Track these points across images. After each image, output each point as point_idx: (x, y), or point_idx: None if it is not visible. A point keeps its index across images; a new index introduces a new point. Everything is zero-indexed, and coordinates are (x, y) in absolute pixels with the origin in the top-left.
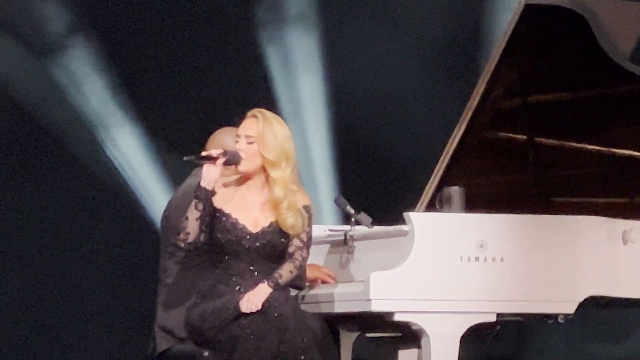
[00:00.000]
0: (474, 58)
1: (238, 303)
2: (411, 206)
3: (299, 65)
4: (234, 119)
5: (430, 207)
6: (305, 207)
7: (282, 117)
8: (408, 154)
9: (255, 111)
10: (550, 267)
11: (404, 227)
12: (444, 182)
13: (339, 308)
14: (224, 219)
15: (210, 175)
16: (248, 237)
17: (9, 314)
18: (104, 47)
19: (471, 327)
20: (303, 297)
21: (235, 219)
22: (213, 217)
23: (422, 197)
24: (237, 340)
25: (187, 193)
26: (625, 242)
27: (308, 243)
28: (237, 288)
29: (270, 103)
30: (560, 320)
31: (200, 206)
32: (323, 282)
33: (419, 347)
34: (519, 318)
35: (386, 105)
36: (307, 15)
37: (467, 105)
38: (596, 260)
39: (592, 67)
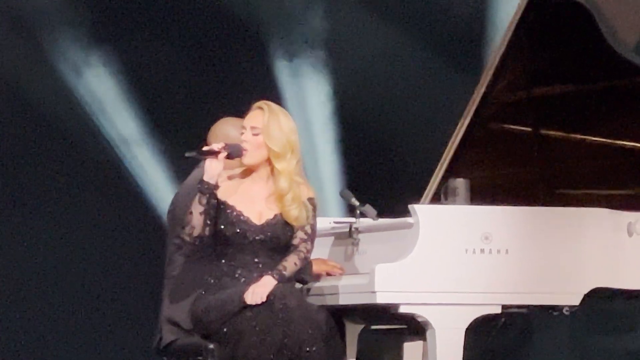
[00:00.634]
0: (479, 50)
1: (243, 295)
2: (416, 198)
3: (303, 58)
4: (239, 112)
5: (435, 199)
6: (310, 200)
7: (287, 110)
8: (413, 146)
9: (261, 103)
10: (555, 259)
11: (409, 219)
12: (449, 174)
13: (344, 300)
14: (228, 211)
15: (212, 169)
16: (252, 229)
17: (16, 307)
18: (107, 34)
19: (476, 319)
20: (308, 289)
21: (240, 211)
22: (218, 210)
23: (427, 189)
24: (242, 332)
25: (193, 186)
26: (630, 234)
27: (312, 235)
28: (241, 280)
29: (275, 96)
30: (565, 312)
31: (204, 200)
32: (329, 274)
33: (424, 339)
34: (524, 310)
35: (391, 97)
36: (312, 7)
37: (472, 98)
38: (601, 252)
39: (597, 59)
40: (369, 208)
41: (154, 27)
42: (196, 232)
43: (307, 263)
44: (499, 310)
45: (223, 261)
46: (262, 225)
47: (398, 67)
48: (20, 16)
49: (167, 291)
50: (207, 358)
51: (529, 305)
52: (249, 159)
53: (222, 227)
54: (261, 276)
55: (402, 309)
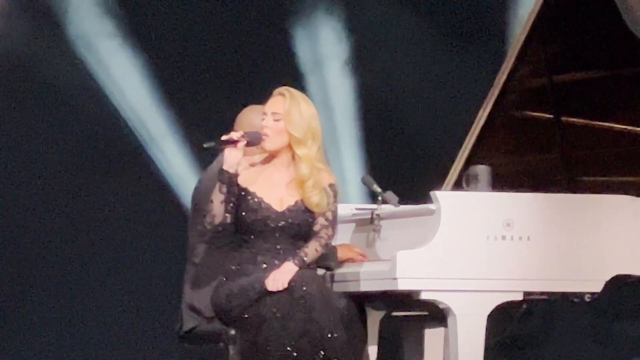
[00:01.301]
0: (501, 37)
1: (264, 282)
2: (438, 185)
3: (325, 45)
4: (261, 98)
5: (457, 185)
6: (331, 186)
7: (308, 96)
8: (435, 133)
9: (282, 89)
10: (576, 246)
11: (431, 206)
12: (471, 160)
13: (366, 287)
14: (249, 198)
15: (232, 158)
16: (273, 216)
17: (37, 291)
18: (132, 29)
19: (498, 305)
20: (332, 276)
21: (261, 198)
22: (239, 197)
23: (449, 176)
24: (263, 319)
25: (216, 173)
26: None
27: (333, 221)
28: (263, 267)
29: (296, 82)
30: (586, 298)
31: (224, 189)
32: (353, 261)
33: (446, 326)
34: (545, 297)
35: (413, 84)
36: None
37: (494, 84)
38: (623, 239)
39: (618, 46)
40: (390, 194)
41: (178, 13)
42: (217, 220)
43: (329, 249)
44: (520, 297)
45: (244, 248)
46: (283, 212)
47: (420, 55)
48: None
49: (189, 278)
50: (228, 344)
51: (550, 292)
52: (269, 144)
53: (243, 214)
54: (282, 263)
55: (424, 296)
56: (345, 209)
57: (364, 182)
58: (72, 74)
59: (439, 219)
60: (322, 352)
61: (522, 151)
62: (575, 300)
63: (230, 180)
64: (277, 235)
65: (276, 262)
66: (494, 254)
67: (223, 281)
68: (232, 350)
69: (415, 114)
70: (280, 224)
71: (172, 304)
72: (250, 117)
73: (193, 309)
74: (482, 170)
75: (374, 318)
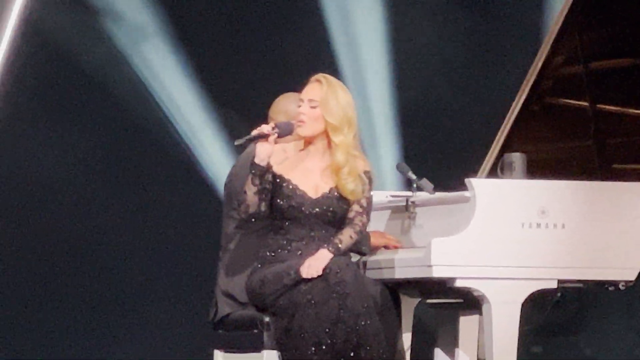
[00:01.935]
0: (538, 23)
1: (299, 268)
2: (473, 172)
3: (361, 31)
4: (297, 84)
5: (492, 173)
6: (366, 173)
7: (344, 83)
8: (470, 120)
9: (319, 76)
10: (611, 234)
11: (466, 193)
12: (506, 148)
13: (400, 274)
14: (284, 185)
15: (263, 152)
16: (308, 202)
17: (72, 277)
18: (166, 11)
19: (532, 293)
20: (365, 263)
21: (296, 185)
22: (273, 183)
23: (484, 163)
24: (298, 305)
25: (248, 162)
26: None
27: (368, 208)
28: (297, 253)
29: (332, 68)
30: (621, 287)
31: (257, 181)
32: (386, 248)
33: (480, 313)
34: (579, 285)
35: (449, 71)
36: None
37: (529, 72)
38: None
39: None
40: (425, 182)
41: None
42: (251, 210)
43: (363, 236)
44: (554, 285)
45: (279, 235)
46: (318, 199)
47: (456, 41)
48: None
49: (223, 264)
50: (263, 331)
51: (584, 280)
52: (305, 131)
53: (278, 200)
54: (317, 249)
55: (458, 283)
56: (380, 196)
57: (399, 169)
58: (112, 65)
59: (474, 207)
60: (356, 339)
61: (557, 139)
62: (610, 288)
63: (262, 172)
64: (311, 222)
65: (311, 248)
66: (528, 242)
67: (258, 267)
68: (266, 336)
69: (450, 101)
70: (314, 211)
71: (206, 291)
72: (285, 105)
73: (228, 295)
74: (517, 158)
75: (409, 305)
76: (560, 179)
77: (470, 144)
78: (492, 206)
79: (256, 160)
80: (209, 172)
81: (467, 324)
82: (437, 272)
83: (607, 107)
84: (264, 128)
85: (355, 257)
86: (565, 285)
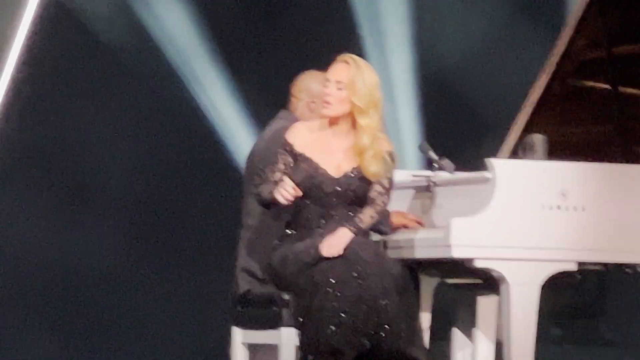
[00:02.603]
0: (561, 6)
1: (319, 247)
2: (494, 153)
3: (385, 11)
4: (320, 63)
5: (513, 154)
6: (389, 153)
7: (367, 62)
8: (492, 101)
9: (346, 56)
10: (631, 217)
11: (486, 174)
12: (527, 129)
13: (420, 254)
14: (306, 163)
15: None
16: (329, 181)
17: (93, 255)
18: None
19: (552, 276)
20: (385, 242)
21: (317, 163)
22: (295, 161)
23: (505, 144)
24: (318, 284)
25: (273, 138)
26: None
27: (389, 189)
28: (318, 232)
29: (356, 47)
30: (639, 270)
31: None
32: (407, 227)
33: (499, 294)
34: (599, 267)
35: (471, 51)
36: None
37: (551, 53)
38: None
39: None
40: (446, 162)
41: None
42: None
43: (384, 215)
44: (574, 267)
45: (300, 213)
46: (340, 178)
47: (479, 22)
48: None
49: (244, 241)
50: (281, 309)
51: (604, 263)
52: (331, 112)
53: (300, 179)
54: (337, 228)
55: (477, 264)
56: (402, 176)
57: (420, 149)
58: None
59: (494, 187)
60: (376, 318)
61: (578, 121)
62: (629, 271)
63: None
64: (333, 201)
65: (331, 227)
66: (548, 224)
67: (278, 245)
68: (285, 314)
69: (472, 81)
70: (335, 190)
71: (227, 267)
72: (308, 83)
73: (247, 271)
74: (538, 139)
75: (428, 285)
76: (581, 161)
77: (492, 125)
78: (512, 187)
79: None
80: (232, 150)
81: (485, 304)
82: (457, 252)
83: (630, 90)
84: (287, 196)
85: (375, 237)
86: (585, 267)
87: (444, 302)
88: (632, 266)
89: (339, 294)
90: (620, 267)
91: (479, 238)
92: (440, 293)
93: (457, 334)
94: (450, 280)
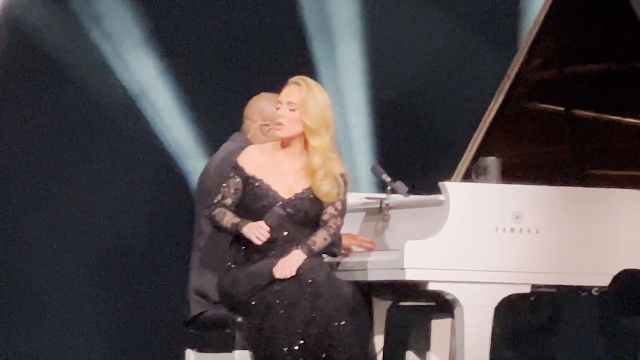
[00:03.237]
0: (514, 28)
1: (271, 269)
2: (447, 176)
3: (337, 31)
4: (273, 85)
5: (467, 177)
6: (342, 175)
7: (320, 84)
8: (445, 123)
9: (297, 78)
10: (585, 240)
11: (440, 197)
12: (481, 152)
13: (373, 276)
14: (256, 185)
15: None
16: (280, 203)
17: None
18: (144, 13)
19: (505, 297)
20: (337, 264)
21: (268, 185)
22: (246, 184)
23: (459, 167)
24: (270, 306)
25: (225, 159)
26: None
27: (343, 211)
28: (270, 254)
29: (308, 69)
30: (594, 292)
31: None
32: (359, 245)
33: (453, 317)
34: (553, 290)
35: (424, 74)
36: None
37: (505, 76)
38: (632, 233)
39: (631, 39)
40: (400, 184)
41: (189, 1)
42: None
43: (337, 238)
44: (528, 290)
45: None
46: (290, 199)
47: (432, 44)
48: None
49: (196, 263)
50: (235, 331)
51: (558, 285)
52: (284, 133)
53: (251, 201)
54: (290, 250)
55: (431, 286)
56: (354, 198)
57: (373, 171)
58: (85, 55)
59: (448, 210)
60: (328, 340)
61: (532, 143)
62: (583, 294)
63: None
64: (284, 222)
65: (284, 249)
66: (502, 246)
67: (230, 267)
68: (238, 336)
69: (426, 104)
70: (287, 211)
71: (178, 289)
72: (261, 105)
73: (200, 294)
74: (492, 162)
75: (381, 307)
76: (535, 183)
77: (446, 147)
78: (466, 210)
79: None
80: (184, 171)
81: (439, 327)
82: (410, 275)
83: (584, 112)
84: (263, 238)
85: (327, 259)
86: (539, 290)
87: (397, 325)
88: (585, 289)
89: (291, 315)
90: (574, 289)
91: (432, 261)
92: (393, 316)
93: (411, 357)
94: (403, 303)
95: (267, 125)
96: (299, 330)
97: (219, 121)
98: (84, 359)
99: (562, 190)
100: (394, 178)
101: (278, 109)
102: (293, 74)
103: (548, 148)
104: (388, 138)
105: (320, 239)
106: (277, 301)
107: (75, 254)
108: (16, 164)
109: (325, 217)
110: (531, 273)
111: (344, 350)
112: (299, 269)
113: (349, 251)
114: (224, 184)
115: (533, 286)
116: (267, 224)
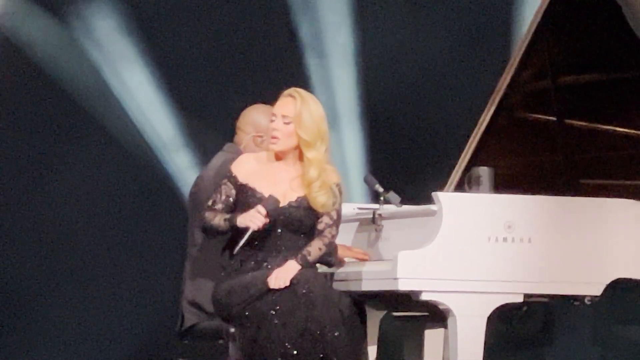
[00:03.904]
0: (506, 38)
1: (266, 279)
2: (440, 186)
3: (331, 42)
4: (267, 96)
5: (459, 187)
6: (337, 185)
7: (312, 93)
8: (438, 134)
9: (292, 91)
10: (577, 249)
11: (432, 207)
12: (473, 162)
13: (367, 286)
14: (250, 194)
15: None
16: (274, 210)
17: (36, 278)
18: (138, 23)
19: (498, 307)
20: (332, 275)
21: (261, 193)
22: (239, 192)
23: (451, 177)
24: (264, 316)
25: (218, 170)
26: None
27: (338, 221)
28: (264, 264)
29: (301, 80)
30: (586, 302)
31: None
32: (355, 259)
33: (446, 326)
34: (545, 299)
35: (417, 84)
36: None
37: (497, 86)
38: (624, 243)
39: (623, 49)
40: (392, 195)
41: (184, 13)
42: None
43: (332, 248)
44: (520, 299)
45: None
46: (284, 207)
47: (425, 55)
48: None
49: (189, 273)
50: (228, 341)
51: (550, 295)
52: (279, 147)
53: (244, 209)
54: (285, 260)
55: (424, 296)
56: (347, 208)
57: (366, 181)
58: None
59: (441, 220)
60: (322, 350)
61: (524, 153)
62: (576, 303)
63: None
64: (278, 230)
65: (278, 259)
66: (494, 256)
67: (224, 278)
68: (232, 347)
69: (418, 114)
70: (281, 218)
71: (172, 300)
72: (254, 117)
73: (194, 304)
74: (484, 172)
75: (374, 318)
76: (527, 193)
77: (438, 157)
78: (458, 220)
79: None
80: (177, 181)
81: (432, 337)
82: (403, 285)
83: (576, 122)
84: (260, 222)
85: (322, 269)
86: (531, 299)
87: (391, 335)
88: (578, 298)
89: (285, 326)
90: (566, 298)
91: (425, 271)
92: (387, 326)
93: None
94: (396, 313)
95: (260, 137)
96: (293, 341)
97: (212, 132)
98: None
99: (555, 200)
100: (387, 188)
101: (272, 121)
102: (287, 86)
103: (540, 158)
104: (381, 148)
105: (315, 249)
106: (272, 311)
107: (62, 257)
108: (8, 171)
109: (320, 226)
110: (524, 282)
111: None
112: (293, 279)
113: (343, 262)
114: (216, 190)
115: (526, 295)
116: (263, 208)
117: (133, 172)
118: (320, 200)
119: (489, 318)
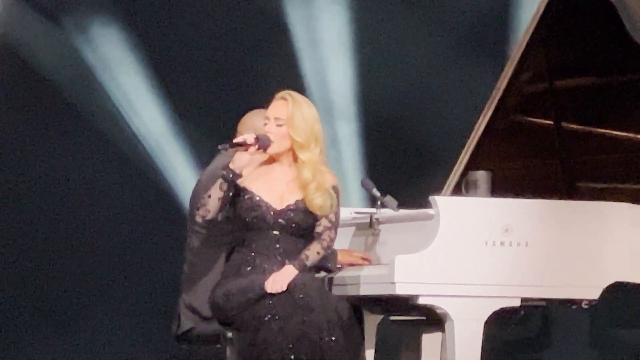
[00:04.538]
0: (503, 41)
1: (263, 283)
2: (437, 190)
3: (327, 46)
4: (262, 99)
5: (457, 191)
6: (334, 188)
7: (309, 98)
8: (435, 137)
9: (284, 93)
10: (575, 253)
11: (430, 211)
12: (471, 166)
13: (364, 291)
14: (247, 196)
15: (241, 161)
16: (272, 213)
17: (32, 288)
18: (133, 26)
19: (495, 311)
20: (329, 279)
21: (259, 196)
22: (237, 196)
23: (449, 181)
24: (262, 320)
25: (216, 173)
26: None
27: (336, 224)
28: (262, 268)
29: (298, 84)
30: (584, 305)
31: (225, 187)
32: (352, 265)
33: (443, 330)
34: (543, 303)
35: (414, 87)
36: None
37: (494, 89)
38: (621, 246)
39: (619, 53)
40: (389, 199)
41: (178, 15)
42: (210, 216)
43: (330, 252)
44: (518, 303)
45: (243, 247)
46: (282, 210)
47: (422, 58)
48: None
49: (187, 278)
50: (226, 346)
51: (548, 299)
52: (272, 149)
53: (242, 212)
54: (282, 264)
55: (421, 300)
56: (344, 213)
57: (363, 185)
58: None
59: (438, 224)
60: (320, 355)
61: (522, 157)
62: (573, 307)
63: (233, 180)
64: (275, 233)
65: (275, 262)
66: (492, 260)
67: (221, 282)
68: (229, 351)
69: (415, 118)
70: (278, 222)
71: (170, 304)
72: (254, 121)
73: (191, 309)
74: (481, 176)
75: (372, 322)
76: (525, 197)
77: (435, 161)
78: (456, 224)
79: (232, 166)
80: (174, 187)
81: (429, 341)
82: (401, 290)
83: (573, 125)
84: (248, 138)
85: (321, 274)
86: (529, 303)
87: (388, 339)
88: (575, 302)
89: (282, 330)
90: (563, 303)
91: (422, 275)
92: (384, 330)
93: None
94: (394, 317)
95: None
96: (291, 345)
97: (209, 136)
98: None
99: (552, 204)
100: (384, 192)
101: (265, 124)
102: (283, 87)
103: (537, 161)
104: (378, 152)
105: (313, 252)
106: (269, 315)
107: (59, 257)
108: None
109: (319, 229)
110: (521, 286)
111: None
112: (290, 283)
113: (342, 267)
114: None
115: (523, 299)
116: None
117: (128, 173)
118: (317, 202)
119: (486, 322)
